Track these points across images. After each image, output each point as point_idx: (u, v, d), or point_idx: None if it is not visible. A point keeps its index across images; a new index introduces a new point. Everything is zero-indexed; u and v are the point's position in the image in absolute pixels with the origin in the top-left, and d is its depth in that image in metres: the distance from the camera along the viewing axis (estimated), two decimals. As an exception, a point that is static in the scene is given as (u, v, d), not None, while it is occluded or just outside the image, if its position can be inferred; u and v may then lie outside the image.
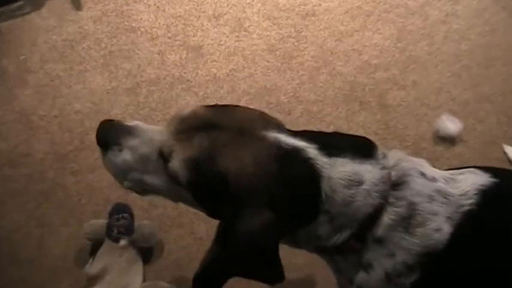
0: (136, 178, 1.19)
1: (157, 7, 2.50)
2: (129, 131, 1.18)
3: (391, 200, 1.11)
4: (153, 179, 1.17)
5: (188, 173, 1.08)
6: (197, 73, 2.36)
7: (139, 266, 1.88)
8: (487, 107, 2.25)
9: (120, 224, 1.85)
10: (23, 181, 2.13)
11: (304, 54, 2.40)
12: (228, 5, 2.50)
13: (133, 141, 1.17)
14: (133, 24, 2.47)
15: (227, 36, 2.44)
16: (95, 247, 1.91)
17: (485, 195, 1.14)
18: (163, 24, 2.46)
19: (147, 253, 1.93)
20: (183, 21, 2.47)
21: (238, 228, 1.05)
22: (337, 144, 1.12)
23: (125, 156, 1.17)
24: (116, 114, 2.25)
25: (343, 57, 2.39)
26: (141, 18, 2.48)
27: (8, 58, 2.42)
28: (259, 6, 2.50)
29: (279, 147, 1.08)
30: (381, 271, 1.13)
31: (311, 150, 1.09)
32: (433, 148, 2.16)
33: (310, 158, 1.08)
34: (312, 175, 1.08)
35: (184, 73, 2.36)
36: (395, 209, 1.10)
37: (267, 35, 2.44)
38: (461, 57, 2.36)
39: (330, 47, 2.41)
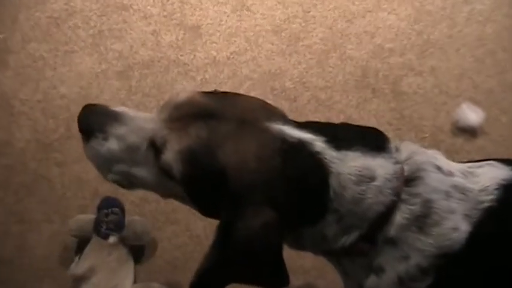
0: (122, 170, 1.18)
1: (151, -18, 2.50)
2: (116, 118, 1.16)
3: (404, 197, 1.10)
4: (141, 172, 1.16)
5: (183, 166, 1.07)
6: (195, 56, 2.35)
7: (129, 266, 1.88)
8: (512, 96, 2.25)
9: (109, 219, 1.85)
10: (2, 172, 2.14)
11: (312, 36, 2.39)
12: (229, -19, 2.50)
13: (120, 129, 1.15)
14: (125, 2, 2.46)
15: (228, 16, 2.43)
16: (81, 245, 1.91)
17: (507, 190, 1.14)
18: (158, 2, 2.46)
19: (138, 252, 1.94)
20: (179, -1, 2.47)
21: (238, 228, 1.04)
22: (346, 136, 1.12)
23: (111, 145, 1.16)
24: (105, 99, 2.25)
25: (354, 40, 2.38)
26: (133, -5, 2.47)
27: (-14, 37, 2.41)
28: (263, -17, 2.49)
29: (284, 140, 1.07)
30: (393, 275, 1.13)
31: (318, 143, 1.08)
32: (452, 140, 2.16)
33: (317, 152, 1.08)
34: (319, 171, 1.07)
35: (181, 55, 2.35)
36: (409, 206, 1.10)
37: (272, 15, 2.43)
38: (485, 40, 2.36)
39: (340, 28, 2.41)
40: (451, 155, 1.20)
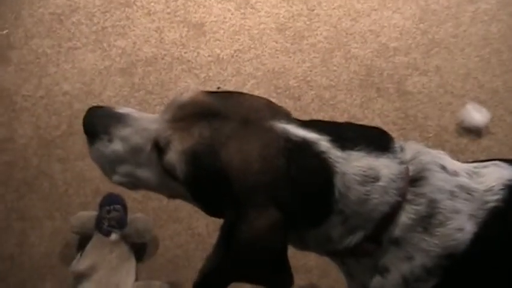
0: (127, 172, 1.17)
1: (155, -21, 2.49)
2: (120, 119, 1.16)
3: (409, 197, 1.10)
4: (146, 173, 1.16)
5: (186, 167, 1.06)
6: (198, 53, 2.34)
7: (131, 264, 1.88)
8: (518, 96, 2.25)
9: (111, 216, 1.85)
10: (4, 169, 2.13)
11: (317, 34, 2.39)
12: (233, -22, 2.49)
13: (124, 131, 1.15)
14: (129, -2, 2.46)
15: (232, 13, 2.43)
16: (82, 242, 1.91)
17: None
18: (162, -2, 2.45)
19: (140, 250, 1.93)
20: (183, -5, 2.46)
21: (242, 230, 1.04)
22: (351, 136, 1.11)
23: (115, 147, 1.15)
24: (108, 96, 2.25)
25: (359, 39, 2.37)
26: (137, -9, 2.47)
27: (-12, 32, 2.41)
28: (267, -20, 2.48)
29: (288, 139, 1.07)
30: (397, 275, 1.12)
31: (323, 142, 1.07)
32: (456, 140, 2.15)
33: (322, 152, 1.07)
34: (324, 171, 1.07)
35: (185, 53, 2.35)
36: (415, 207, 1.09)
37: (276, 13, 2.43)
38: (491, 40, 2.35)
39: (345, 27, 2.40)
40: (455, 155, 1.19)
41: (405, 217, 1.09)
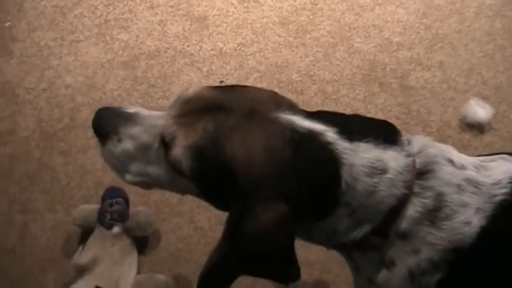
0: (138, 170, 1.17)
1: (158, -28, 2.49)
2: (129, 118, 1.16)
3: (416, 190, 1.09)
4: (156, 170, 1.15)
5: (191, 162, 1.06)
6: (201, 47, 2.34)
7: (133, 257, 1.87)
8: (522, 92, 2.24)
9: (113, 209, 1.85)
10: (6, 162, 2.13)
11: (320, 28, 2.39)
12: (236, -28, 2.49)
13: (133, 129, 1.15)
14: (132, -9, 2.45)
15: (235, 7, 2.42)
16: (84, 235, 1.91)
17: None
18: (165, -8, 2.45)
19: (142, 243, 1.93)
20: (186, -11, 2.46)
21: (249, 224, 1.03)
22: (358, 127, 1.10)
23: (125, 145, 1.16)
24: (110, 89, 2.24)
25: (362, 33, 2.37)
26: (140, -16, 2.47)
27: (-9, 25, 2.41)
28: (271, -26, 2.48)
29: (294, 130, 1.06)
30: (404, 269, 1.12)
31: (330, 134, 1.07)
32: (459, 136, 2.15)
33: (329, 143, 1.06)
34: (331, 162, 1.06)
35: (187, 46, 2.34)
36: (422, 200, 1.09)
37: (279, 7, 2.42)
38: (495, 36, 2.35)
39: (348, 21, 2.40)
40: (458, 150, 1.19)
41: (412, 210, 1.08)
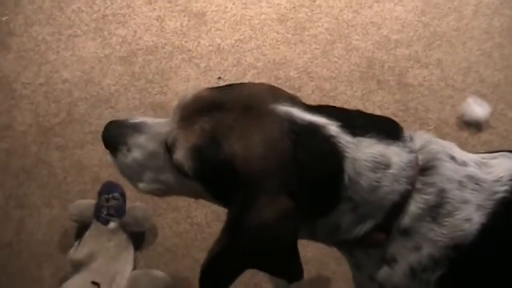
0: (151, 178, 1.19)
1: (157, -32, 2.48)
2: (136, 128, 1.18)
3: (418, 186, 1.09)
4: (166, 176, 1.16)
5: (193, 163, 1.06)
6: (199, 42, 2.34)
7: (129, 253, 1.87)
8: (519, 90, 2.24)
9: (110, 204, 1.84)
10: (2, 156, 2.12)
11: (318, 25, 2.38)
12: (235, -32, 2.48)
13: (140, 138, 1.17)
14: (130, -14, 2.45)
15: (233, 3, 2.42)
16: (81, 230, 1.90)
17: None
18: (163, -13, 2.44)
19: (138, 238, 1.93)
20: (185, -16, 2.45)
21: (251, 218, 1.03)
22: (361, 122, 1.10)
23: (134, 155, 1.17)
24: (108, 84, 2.24)
25: (360, 31, 2.37)
26: (138, -20, 2.46)
27: (-12, 19, 2.40)
28: (269, -29, 2.48)
29: (292, 122, 1.05)
30: (405, 265, 1.11)
31: (332, 127, 1.06)
32: (457, 134, 2.15)
33: (331, 136, 1.05)
34: (333, 155, 1.05)
35: (185, 42, 2.34)
36: (424, 196, 1.08)
37: (278, 3, 2.42)
38: (493, 34, 2.34)
39: (347, 18, 2.39)
40: (456, 148, 1.20)
41: (414, 206, 1.08)
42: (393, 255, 1.12)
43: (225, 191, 1.08)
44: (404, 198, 1.08)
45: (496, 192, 1.11)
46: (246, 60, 2.30)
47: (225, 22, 2.38)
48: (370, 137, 1.07)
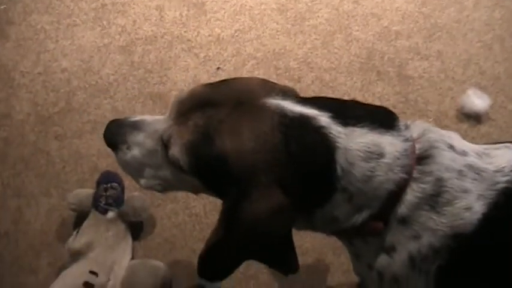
0: (150, 174, 1.21)
1: (156, -43, 2.47)
2: (135, 126, 1.20)
3: (415, 175, 1.08)
4: (164, 172, 1.18)
5: (187, 158, 1.08)
6: (199, 32, 2.33)
7: (127, 243, 1.87)
8: (520, 83, 2.23)
9: (108, 194, 1.84)
10: (0, 145, 2.12)
11: (318, 16, 2.38)
12: (235, -42, 2.48)
13: (138, 136, 1.19)
14: (129, -25, 2.44)
15: (233, -7, 2.41)
16: (79, 219, 1.90)
17: None
18: (163, -23, 2.44)
19: (137, 228, 1.92)
20: (184, -26, 2.45)
21: (244, 212, 1.03)
22: (354, 113, 1.10)
23: (134, 152, 1.20)
24: (107, 74, 2.23)
25: (360, 22, 2.36)
26: (137, -31, 2.45)
27: (-14, 7, 2.39)
28: (269, -39, 2.47)
29: (283, 115, 1.05)
30: (404, 254, 1.11)
31: (323, 118, 1.06)
32: (456, 126, 2.14)
33: (322, 127, 1.05)
34: (324, 146, 1.05)
35: (185, 32, 2.33)
36: (421, 185, 1.08)
37: (278, -6, 2.41)
38: (494, 26, 2.34)
39: (347, 9, 2.39)
40: (456, 139, 1.20)
41: (411, 195, 1.08)
42: (392, 243, 1.12)
43: (220, 185, 1.09)
44: (401, 187, 1.07)
45: (498, 182, 1.10)
46: (245, 51, 2.29)
47: (224, 12, 2.37)
48: (362, 127, 1.07)
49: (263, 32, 2.33)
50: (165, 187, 1.23)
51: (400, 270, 1.12)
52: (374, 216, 1.09)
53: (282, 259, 1.12)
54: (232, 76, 2.20)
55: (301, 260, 1.78)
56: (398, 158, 1.08)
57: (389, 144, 1.08)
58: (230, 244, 1.08)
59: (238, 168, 1.03)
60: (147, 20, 2.36)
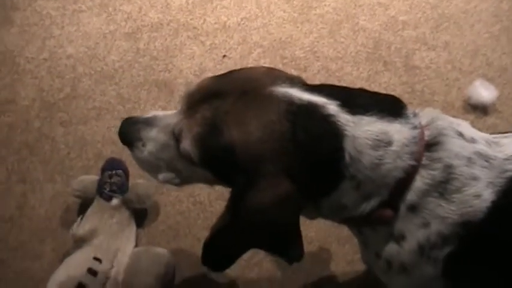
0: (167, 169, 1.23)
1: None
2: (147, 122, 1.22)
3: (424, 162, 1.09)
4: (179, 165, 1.19)
5: (197, 151, 1.09)
6: (205, 20, 2.32)
7: (131, 230, 1.87)
8: (527, 74, 2.22)
9: (113, 181, 1.84)
10: (5, 131, 2.11)
11: (325, 5, 2.37)
12: None
13: (152, 132, 1.21)
14: (136, -38, 2.43)
15: (240, -19, 2.40)
16: (83, 206, 1.89)
17: None
18: (169, -36, 2.43)
19: (141, 215, 1.92)
20: (191, -39, 2.44)
21: (251, 202, 1.04)
22: (362, 101, 1.10)
23: (149, 148, 1.22)
24: (112, 60, 2.23)
25: (367, 11, 2.35)
26: (144, -45, 2.44)
27: (-9, -7, 2.39)
28: (277, -51, 2.45)
29: (290, 103, 1.06)
30: (413, 242, 1.11)
31: (331, 106, 1.06)
32: (463, 117, 2.09)
33: (330, 115, 1.05)
34: (333, 134, 1.05)
35: (191, 19, 2.33)
36: (430, 171, 1.08)
37: (285, -18, 2.40)
38: (502, 17, 2.33)
39: (354, -2, 2.38)
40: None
41: (420, 182, 1.08)
42: (401, 231, 1.12)
43: (229, 175, 1.09)
44: (410, 174, 1.08)
45: (507, 170, 1.10)
46: (251, 39, 2.29)
47: (231, 0, 2.36)
48: (370, 115, 1.07)
49: (269, 20, 2.33)
50: (182, 180, 1.24)
51: (409, 259, 1.13)
52: (383, 204, 1.09)
53: (288, 247, 1.12)
54: (238, 64, 2.21)
55: (306, 248, 1.79)
56: (406, 145, 1.08)
57: (398, 131, 1.08)
58: (236, 230, 1.09)
59: (246, 158, 1.04)
60: (153, 7, 2.35)
